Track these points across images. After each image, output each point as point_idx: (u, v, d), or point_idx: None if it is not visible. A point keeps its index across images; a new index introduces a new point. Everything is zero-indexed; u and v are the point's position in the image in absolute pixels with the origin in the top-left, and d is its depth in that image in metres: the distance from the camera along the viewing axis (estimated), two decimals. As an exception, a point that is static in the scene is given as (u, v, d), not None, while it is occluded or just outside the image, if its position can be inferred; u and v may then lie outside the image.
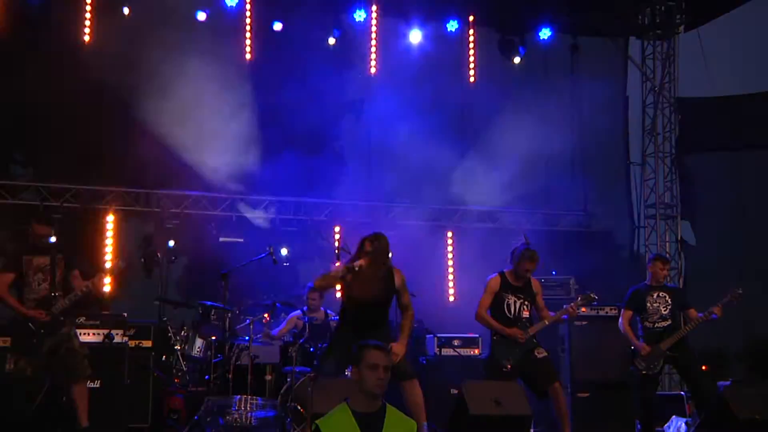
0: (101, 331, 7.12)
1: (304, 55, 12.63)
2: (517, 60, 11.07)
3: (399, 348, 5.89)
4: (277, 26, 10.69)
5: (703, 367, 7.82)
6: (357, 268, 5.82)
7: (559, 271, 9.42)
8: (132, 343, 7.31)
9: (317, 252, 16.06)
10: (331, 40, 10.79)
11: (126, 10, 10.08)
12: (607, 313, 8.39)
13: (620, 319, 7.37)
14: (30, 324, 5.97)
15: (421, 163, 10.88)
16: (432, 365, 8.12)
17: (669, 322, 7.12)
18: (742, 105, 11.55)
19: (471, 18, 11.06)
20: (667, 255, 11.22)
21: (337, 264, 6.09)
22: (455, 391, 6.42)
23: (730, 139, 11.41)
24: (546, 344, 8.66)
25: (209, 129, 13.17)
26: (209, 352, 7.59)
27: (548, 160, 11.46)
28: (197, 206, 10.77)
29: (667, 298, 7.17)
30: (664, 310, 7.14)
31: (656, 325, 7.15)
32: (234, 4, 10.01)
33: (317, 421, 3.95)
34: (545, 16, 10.88)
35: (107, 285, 8.97)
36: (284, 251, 10.43)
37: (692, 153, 11.70)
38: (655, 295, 7.21)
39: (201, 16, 10.40)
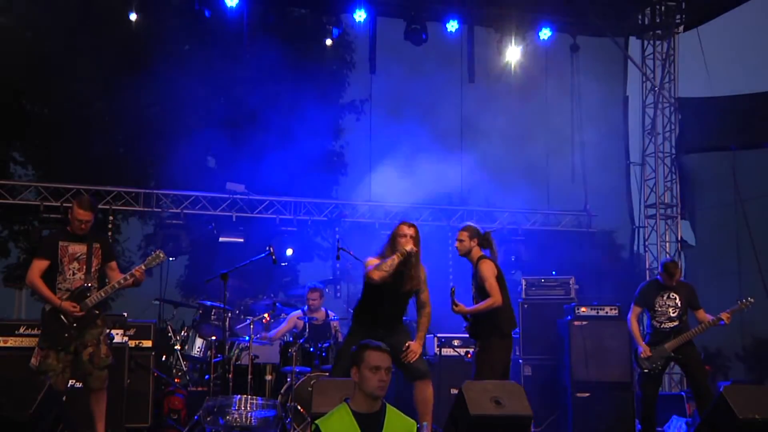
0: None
1: (304, 56, 12.66)
2: (516, 60, 11.08)
3: (417, 346, 5.75)
4: (275, 26, 10.66)
5: (706, 368, 7.81)
6: (412, 252, 5.54)
7: (559, 271, 9.42)
8: (132, 343, 7.30)
9: (317, 252, 16.11)
10: (329, 41, 10.79)
11: (133, 16, 10.06)
12: (607, 313, 8.39)
13: (629, 314, 7.36)
14: (62, 317, 5.71)
15: (421, 163, 10.91)
16: (432, 365, 8.11)
17: (676, 323, 7.09)
18: (742, 105, 11.55)
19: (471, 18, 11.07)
20: (668, 255, 11.25)
21: (393, 257, 5.56)
22: (455, 391, 6.40)
23: (730, 139, 11.41)
24: (546, 344, 8.74)
25: (209, 129, 13.22)
26: (209, 352, 7.58)
27: (548, 160, 11.48)
28: (197, 206, 10.77)
29: (677, 300, 7.12)
30: (673, 313, 7.11)
31: (663, 325, 7.12)
32: (234, 5, 9.99)
33: (317, 421, 3.94)
34: (545, 16, 10.88)
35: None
36: (289, 252, 10.37)
37: (692, 153, 11.71)
38: (665, 296, 7.16)
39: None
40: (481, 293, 6.24)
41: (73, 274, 5.84)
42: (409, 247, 5.59)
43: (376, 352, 3.96)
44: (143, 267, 5.93)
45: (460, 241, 6.42)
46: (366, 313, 5.86)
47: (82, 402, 6.14)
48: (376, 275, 5.55)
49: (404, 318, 6.07)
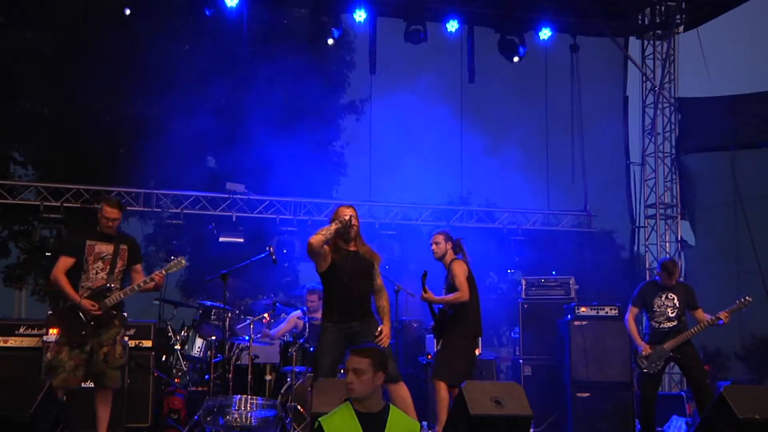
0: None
1: (303, 56, 12.64)
2: (517, 60, 11.06)
3: (388, 329, 5.72)
4: (277, 26, 10.65)
5: (705, 367, 7.81)
6: (350, 220, 5.60)
7: (559, 271, 9.43)
8: (132, 343, 7.31)
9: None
10: (329, 42, 10.77)
11: (133, 16, 10.04)
12: (607, 313, 8.39)
13: (626, 314, 7.36)
14: (81, 314, 5.78)
15: (421, 163, 10.93)
16: (432, 365, 8.12)
17: (675, 323, 7.09)
18: (742, 105, 11.55)
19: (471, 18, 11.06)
20: (667, 255, 11.25)
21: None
22: (455, 391, 6.40)
23: (730, 139, 11.41)
24: (546, 344, 8.75)
25: (209, 129, 13.22)
26: (209, 352, 7.59)
27: (548, 160, 11.49)
28: (197, 206, 10.77)
29: (676, 300, 7.12)
30: (671, 313, 7.11)
31: (662, 325, 7.11)
32: (234, 5, 9.98)
33: (320, 419, 3.96)
34: (545, 16, 10.87)
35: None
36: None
37: (692, 153, 11.71)
38: (663, 296, 7.16)
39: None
40: (451, 292, 6.48)
41: (97, 273, 5.92)
42: (349, 214, 5.66)
43: (349, 355, 4.07)
44: (164, 272, 6.01)
45: (437, 243, 6.69)
46: (333, 306, 5.77)
47: (82, 402, 6.15)
48: (314, 239, 5.58)
49: (373, 312, 5.92)
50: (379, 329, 5.69)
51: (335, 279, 5.73)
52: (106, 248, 5.96)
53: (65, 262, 5.90)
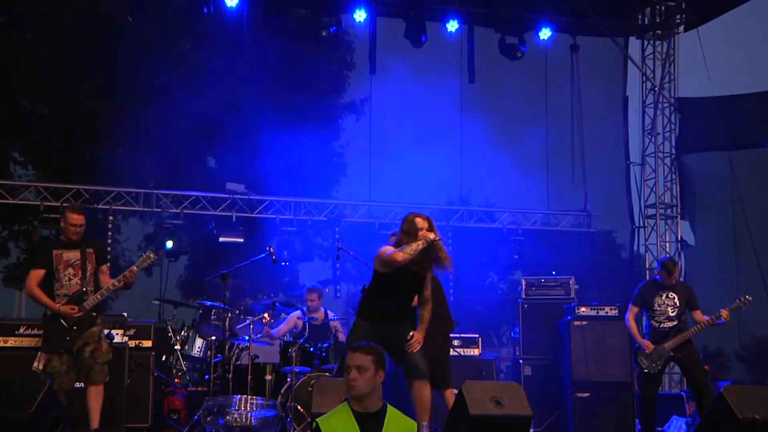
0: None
1: (304, 55, 12.65)
2: (517, 60, 11.06)
3: (420, 336, 5.62)
4: (277, 26, 10.65)
5: (705, 367, 7.82)
6: (437, 240, 5.54)
7: (559, 271, 9.43)
8: (132, 343, 7.31)
9: (317, 252, 16.11)
10: (329, 41, 10.79)
11: (133, 16, 10.08)
12: (607, 313, 8.40)
13: (626, 314, 7.36)
14: (62, 321, 5.90)
15: (420, 163, 10.92)
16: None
17: (675, 323, 7.09)
18: (742, 105, 11.55)
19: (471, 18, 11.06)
20: (667, 255, 11.25)
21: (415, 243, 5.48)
22: (455, 391, 6.40)
23: (730, 139, 11.42)
24: (546, 344, 8.76)
25: (210, 129, 13.23)
26: (209, 352, 7.59)
27: (548, 160, 11.49)
28: (197, 206, 10.77)
29: (676, 299, 7.13)
30: (672, 312, 7.11)
31: (662, 324, 7.12)
32: (234, 6, 9.98)
33: (317, 419, 3.96)
34: (545, 16, 10.87)
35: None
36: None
37: (692, 153, 11.71)
38: (663, 295, 7.17)
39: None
40: None
41: (69, 279, 6.03)
42: (433, 235, 5.58)
43: (350, 353, 4.03)
44: (135, 268, 6.12)
45: None
46: (376, 305, 5.69)
47: (82, 402, 6.15)
48: (401, 257, 5.45)
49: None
50: (411, 333, 5.61)
51: (391, 283, 5.62)
52: (73, 255, 6.07)
53: (36, 274, 6.02)
